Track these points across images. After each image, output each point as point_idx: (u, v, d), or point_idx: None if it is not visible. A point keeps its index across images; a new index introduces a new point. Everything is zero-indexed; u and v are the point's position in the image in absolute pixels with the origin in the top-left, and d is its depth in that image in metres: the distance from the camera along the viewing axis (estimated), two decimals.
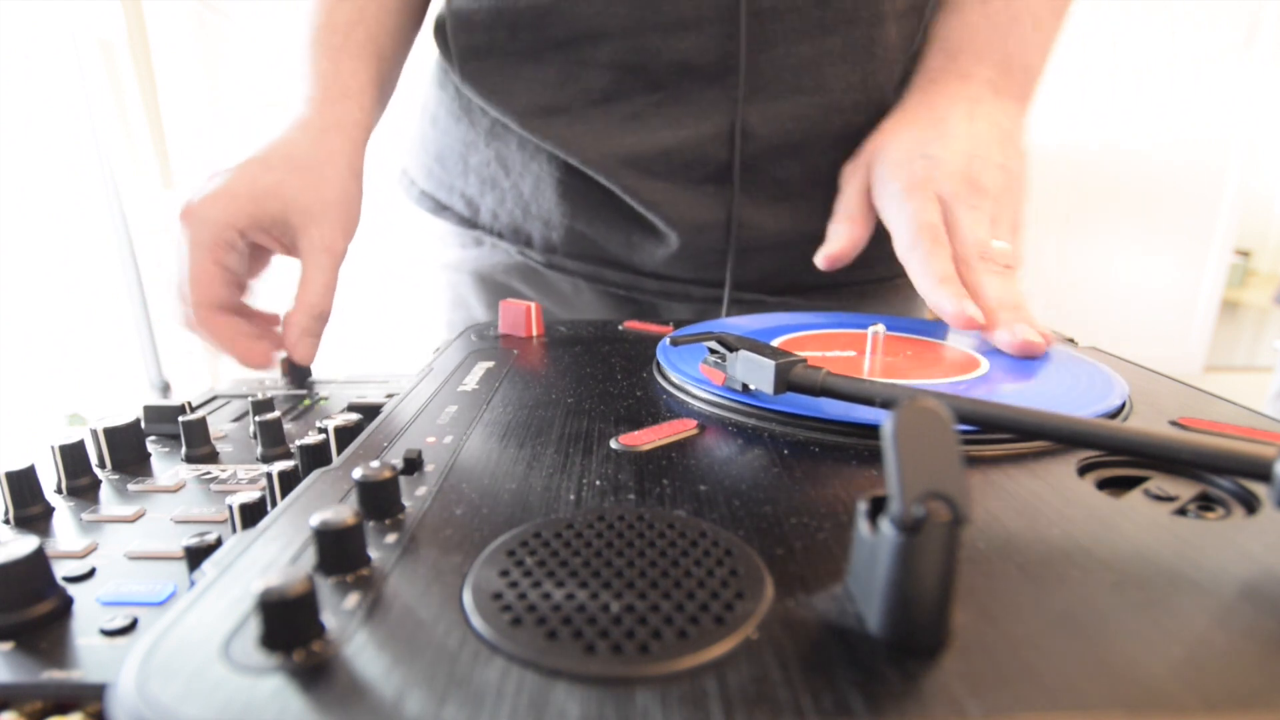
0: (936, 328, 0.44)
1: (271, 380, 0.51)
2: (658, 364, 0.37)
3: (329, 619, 0.16)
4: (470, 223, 0.62)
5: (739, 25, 0.49)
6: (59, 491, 0.32)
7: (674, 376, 0.34)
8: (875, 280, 0.60)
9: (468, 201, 0.61)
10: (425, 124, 0.63)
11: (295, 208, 0.44)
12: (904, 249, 0.43)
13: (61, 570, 0.25)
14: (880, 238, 0.58)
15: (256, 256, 0.48)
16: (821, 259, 0.48)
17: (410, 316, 1.79)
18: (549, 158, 0.56)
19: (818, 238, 0.53)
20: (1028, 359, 0.38)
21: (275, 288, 0.53)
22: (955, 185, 0.43)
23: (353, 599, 0.17)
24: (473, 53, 0.54)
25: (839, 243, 0.48)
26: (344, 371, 0.52)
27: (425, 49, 0.60)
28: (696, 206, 0.54)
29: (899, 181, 0.45)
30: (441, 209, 0.63)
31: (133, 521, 0.30)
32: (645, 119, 0.52)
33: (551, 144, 0.53)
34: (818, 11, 0.49)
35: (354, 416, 0.33)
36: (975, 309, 0.39)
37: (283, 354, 0.47)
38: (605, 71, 0.51)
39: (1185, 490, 0.24)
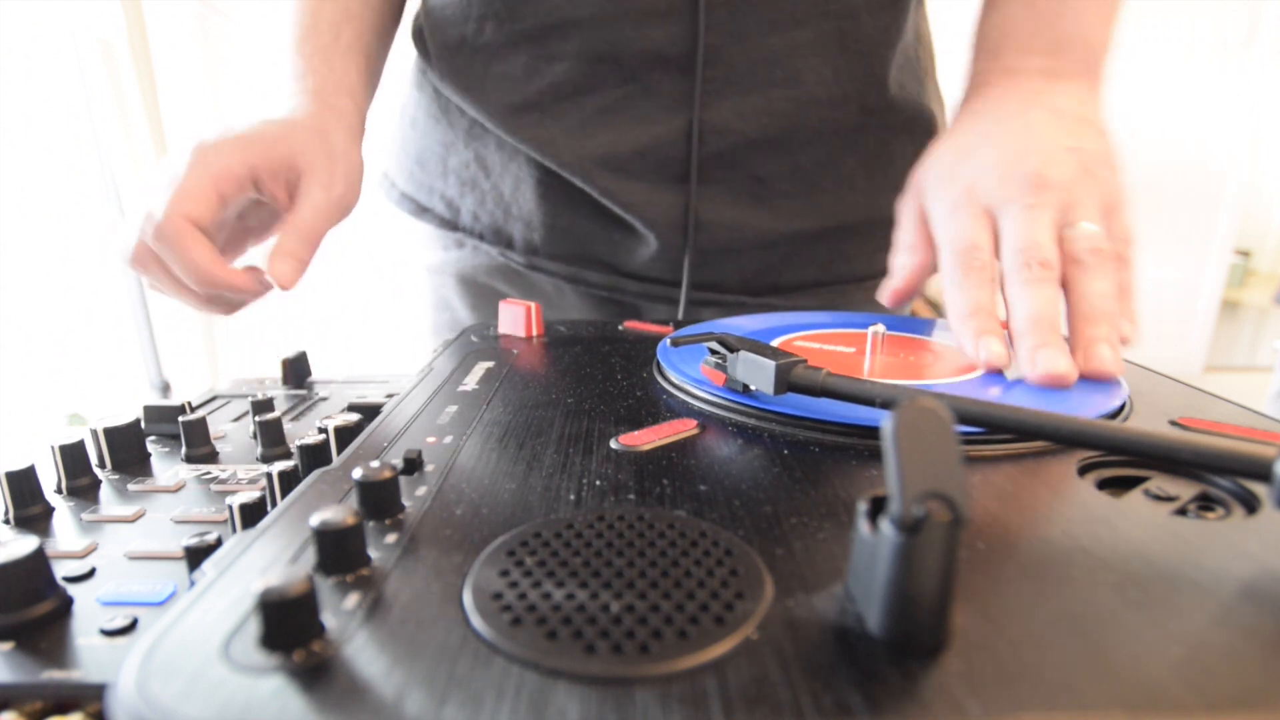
0: (936, 327, 0.44)
1: (272, 380, 0.51)
2: (658, 364, 0.37)
3: (329, 619, 0.16)
4: (451, 225, 0.61)
5: (711, 15, 0.48)
6: (59, 491, 0.32)
7: (674, 377, 0.34)
8: (857, 279, 0.59)
9: (448, 203, 0.60)
10: (405, 126, 0.62)
11: (303, 155, 0.44)
12: (943, 282, 0.38)
13: (61, 570, 0.25)
14: (864, 233, 0.57)
15: (236, 237, 0.47)
16: (886, 295, 0.43)
17: (397, 320, 1.78)
18: (528, 158, 0.55)
19: (801, 238, 0.51)
20: (1058, 390, 0.32)
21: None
22: (1006, 189, 0.38)
23: (353, 599, 0.17)
24: (446, 49, 0.54)
25: (901, 276, 0.43)
26: (344, 371, 0.52)
27: (402, 52, 0.59)
28: (673, 207, 0.53)
29: (943, 204, 0.40)
30: (422, 211, 0.62)
31: (133, 521, 0.30)
32: (617, 113, 0.52)
33: (527, 145, 0.53)
34: (788, 3, 0.49)
35: (354, 416, 0.33)
36: (995, 349, 0.34)
37: (252, 295, 0.44)
38: (573, 64, 0.51)
39: (1185, 490, 0.24)
